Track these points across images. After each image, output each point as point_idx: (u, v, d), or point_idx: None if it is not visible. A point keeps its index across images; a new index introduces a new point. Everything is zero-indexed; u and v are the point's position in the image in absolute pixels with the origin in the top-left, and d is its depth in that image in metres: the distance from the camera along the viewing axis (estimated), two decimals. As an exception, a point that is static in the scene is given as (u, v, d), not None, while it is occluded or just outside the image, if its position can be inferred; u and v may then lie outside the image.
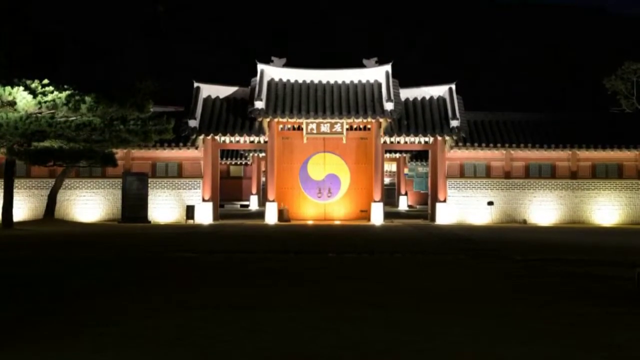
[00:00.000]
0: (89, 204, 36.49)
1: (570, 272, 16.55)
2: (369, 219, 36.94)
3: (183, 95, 41.01)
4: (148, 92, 32.69)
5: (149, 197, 35.81)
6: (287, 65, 38.47)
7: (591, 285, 14.40)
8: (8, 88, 29.02)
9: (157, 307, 11.67)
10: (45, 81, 30.10)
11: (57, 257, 19.30)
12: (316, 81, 38.12)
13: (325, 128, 37.07)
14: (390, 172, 57.93)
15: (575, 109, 58.08)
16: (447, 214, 36.95)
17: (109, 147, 32.96)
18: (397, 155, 53.10)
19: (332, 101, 37.09)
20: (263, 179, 53.00)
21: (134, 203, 35.23)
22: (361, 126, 37.84)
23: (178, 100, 43.82)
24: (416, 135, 36.70)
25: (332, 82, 38.19)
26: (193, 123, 35.86)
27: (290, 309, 11.55)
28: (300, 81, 38.06)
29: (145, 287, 14.04)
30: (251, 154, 53.34)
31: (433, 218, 37.30)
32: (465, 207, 37.25)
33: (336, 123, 36.92)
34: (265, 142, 37.06)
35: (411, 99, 38.47)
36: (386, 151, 42.01)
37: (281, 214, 36.64)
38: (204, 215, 36.17)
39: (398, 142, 37.52)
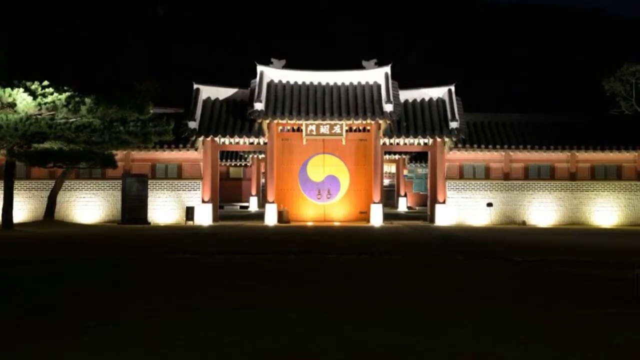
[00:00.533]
0: (89, 205, 36.51)
1: (570, 273, 16.56)
2: (368, 220, 36.96)
3: (183, 97, 41.04)
4: (148, 93, 32.79)
5: (149, 199, 35.83)
6: (287, 66, 38.51)
7: (591, 286, 14.42)
8: (8, 89, 29.02)
9: (157, 307, 11.68)
10: (45, 82, 30.09)
11: (57, 258, 19.30)
12: (316, 83, 38.15)
13: (324, 129, 37.11)
14: (389, 173, 57.97)
15: (575, 110, 58.14)
16: (447, 215, 36.97)
17: (109, 149, 32.97)
18: (397, 156, 53.14)
19: (331, 103, 37.12)
20: (263, 180, 53.04)
21: (134, 204, 35.25)
22: (360, 128, 37.87)
23: (178, 102, 43.88)
24: (415, 136, 36.73)
25: (331, 83, 38.22)
26: (193, 124, 35.89)
27: (290, 309, 11.56)
28: (299, 83, 38.09)
29: (145, 287, 14.05)
30: (251, 156, 53.37)
31: (432, 219, 37.32)
32: (465, 208, 37.27)
33: (335, 124, 36.96)
34: (265, 143, 37.09)
35: (410, 101, 38.49)
36: (385, 152, 42.02)
37: (281, 216, 36.65)
38: (204, 217, 36.18)
39: (397, 144, 37.55)
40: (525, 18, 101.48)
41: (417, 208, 53.80)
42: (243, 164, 56.39)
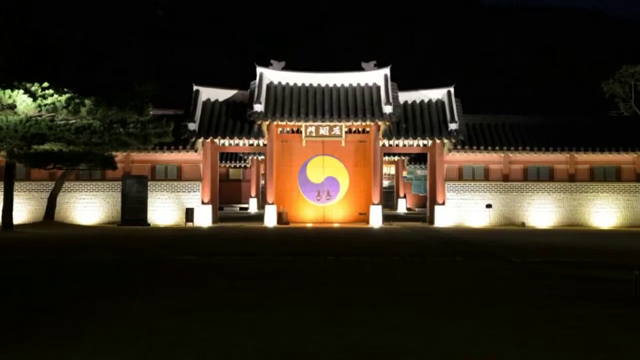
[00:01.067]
0: (89, 206, 36.53)
1: (569, 274, 16.59)
2: (367, 222, 36.99)
3: (182, 98, 41.04)
4: (147, 95, 32.66)
5: (149, 200, 35.85)
6: (287, 68, 38.55)
7: (590, 287, 14.44)
8: (8, 91, 29.06)
9: (156, 308, 11.70)
10: (45, 84, 30.14)
11: (57, 260, 19.32)
12: (315, 84, 38.20)
13: (324, 131, 37.15)
14: (389, 175, 57.99)
15: (575, 112, 58.17)
16: (446, 216, 37.00)
17: (109, 150, 33.01)
18: (396, 158, 53.19)
19: (331, 104, 37.16)
20: (262, 181, 53.08)
21: (134, 206, 35.27)
22: (360, 129, 37.90)
23: (177, 103, 43.86)
24: (415, 138, 36.78)
25: (331, 85, 38.26)
26: (192, 126, 35.91)
27: (290, 310, 11.59)
28: (299, 84, 38.13)
29: (144, 288, 14.07)
30: (250, 157, 53.42)
31: (432, 221, 37.35)
32: (464, 209, 37.30)
33: (335, 126, 37.00)
34: (265, 145, 37.13)
35: (410, 102, 38.53)
36: (385, 154, 42.08)
37: (280, 217, 36.69)
38: (203, 218, 36.20)
39: (397, 145, 37.61)
40: (524, 20, 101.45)
41: (416, 209, 53.82)
42: (243, 166, 56.43)
